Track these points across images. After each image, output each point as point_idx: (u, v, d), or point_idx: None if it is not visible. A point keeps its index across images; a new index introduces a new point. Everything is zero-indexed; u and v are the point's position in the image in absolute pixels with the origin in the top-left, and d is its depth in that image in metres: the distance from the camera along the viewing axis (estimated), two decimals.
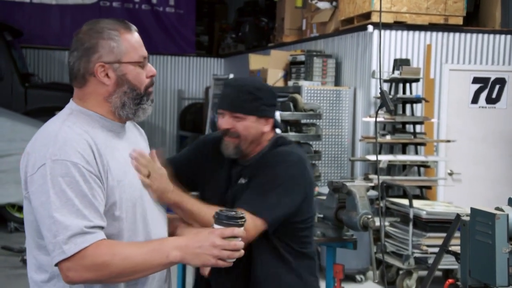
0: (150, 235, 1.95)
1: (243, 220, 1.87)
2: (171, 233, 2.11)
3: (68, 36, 11.64)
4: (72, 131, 1.84)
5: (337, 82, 7.54)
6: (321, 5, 7.81)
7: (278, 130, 2.71)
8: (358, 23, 7.00)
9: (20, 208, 7.42)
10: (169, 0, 11.70)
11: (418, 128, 6.84)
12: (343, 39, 7.53)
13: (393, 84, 6.75)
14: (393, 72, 6.65)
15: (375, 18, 6.65)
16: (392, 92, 6.69)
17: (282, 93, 6.75)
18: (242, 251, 1.85)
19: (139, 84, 1.95)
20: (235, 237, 1.83)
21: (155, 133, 11.72)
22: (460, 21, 7.01)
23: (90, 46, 1.89)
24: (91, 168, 1.81)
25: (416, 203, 5.77)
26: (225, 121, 2.49)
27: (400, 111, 6.76)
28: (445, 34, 7.05)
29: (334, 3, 7.70)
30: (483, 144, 7.16)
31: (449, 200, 6.74)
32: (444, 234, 3.26)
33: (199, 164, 2.62)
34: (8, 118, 7.81)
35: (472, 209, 2.76)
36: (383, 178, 6.29)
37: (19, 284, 5.67)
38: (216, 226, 1.86)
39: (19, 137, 7.25)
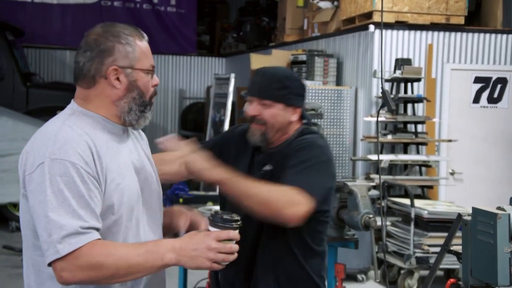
0: (144, 240, 1.94)
1: (238, 223, 1.87)
2: (167, 224, 2.10)
3: (70, 36, 11.65)
4: (72, 131, 1.84)
5: (339, 81, 7.54)
6: (323, 4, 7.81)
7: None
8: (359, 23, 7.00)
9: None
10: (171, 0, 11.70)
11: (420, 127, 6.83)
12: (344, 39, 7.53)
13: (395, 84, 6.75)
14: (394, 72, 6.65)
15: (376, 17, 6.65)
16: (394, 92, 6.68)
17: None
18: (236, 254, 1.84)
19: (146, 92, 1.96)
20: (230, 240, 1.83)
21: (157, 133, 11.72)
22: (461, 20, 7.01)
23: (106, 49, 1.90)
24: (90, 169, 1.81)
25: (418, 202, 5.77)
26: (252, 108, 2.49)
27: (401, 111, 6.76)
28: (447, 33, 7.05)
29: (335, 3, 7.69)
30: (485, 143, 7.16)
31: (450, 199, 6.73)
32: (445, 234, 3.26)
33: (224, 151, 2.64)
34: (10, 118, 7.82)
35: (473, 208, 2.76)
36: (385, 177, 6.29)
37: (20, 284, 5.65)
38: (211, 228, 1.86)
39: (21, 136, 7.26)
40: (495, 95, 7.14)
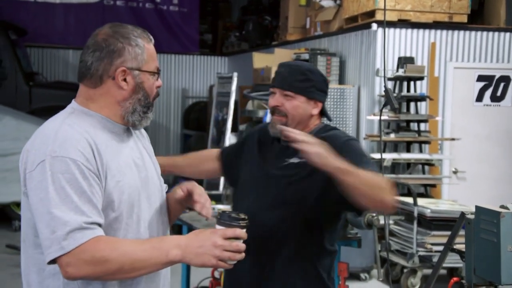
0: (145, 237, 1.94)
1: (245, 221, 1.86)
2: (173, 206, 2.11)
3: (72, 35, 11.66)
4: (72, 129, 1.85)
5: (341, 80, 7.53)
6: (325, 3, 7.80)
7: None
8: (362, 21, 6.99)
9: None
10: None
11: (423, 126, 6.82)
12: (347, 37, 7.52)
13: (398, 82, 6.74)
14: (397, 70, 6.64)
15: (379, 16, 6.64)
16: (397, 90, 6.68)
17: None
18: (243, 254, 1.83)
19: (151, 94, 1.98)
20: (237, 238, 1.81)
21: (159, 132, 11.73)
22: (464, 19, 6.99)
23: (116, 50, 1.91)
24: (90, 166, 1.81)
25: (421, 201, 5.76)
26: (274, 99, 2.52)
27: (404, 109, 6.75)
28: (450, 32, 7.03)
29: (338, 1, 7.69)
30: (488, 142, 7.15)
31: (453, 198, 6.72)
32: (448, 232, 3.26)
33: (242, 151, 2.70)
34: (13, 117, 7.84)
35: (476, 207, 2.75)
36: (388, 176, 6.29)
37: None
38: (218, 226, 1.85)
39: (24, 136, 7.27)
40: (498, 93, 7.13)
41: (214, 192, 5.73)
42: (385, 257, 5.60)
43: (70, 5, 11.15)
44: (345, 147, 2.42)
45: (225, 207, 4.68)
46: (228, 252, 1.79)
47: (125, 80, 1.92)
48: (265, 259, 2.46)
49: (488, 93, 7.11)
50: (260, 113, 7.14)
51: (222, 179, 7.39)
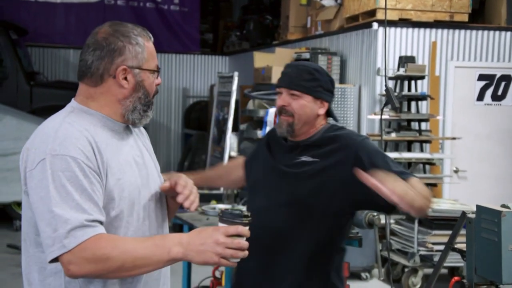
0: (146, 235, 1.94)
1: (248, 219, 1.84)
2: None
3: (73, 35, 11.65)
4: (72, 127, 1.85)
5: (342, 79, 7.53)
6: (326, 2, 7.80)
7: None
8: (363, 21, 6.99)
9: None
10: None
11: (424, 125, 6.82)
12: (348, 37, 7.52)
13: (398, 82, 6.73)
14: (398, 70, 6.64)
15: (380, 15, 6.63)
16: (397, 90, 6.67)
17: None
18: (247, 252, 1.81)
19: (151, 92, 1.99)
20: (240, 236, 1.80)
21: (160, 131, 11.73)
22: (465, 18, 6.99)
23: (117, 48, 1.91)
24: (91, 163, 1.82)
25: None
26: (281, 99, 2.54)
27: (405, 109, 6.75)
28: (451, 31, 7.03)
29: (339, 1, 7.68)
30: (489, 141, 7.14)
31: (454, 197, 6.72)
32: (449, 232, 3.26)
33: (255, 157, 2.75)
34: (14, 117, 7.84)
35: (477, 206, 2.75)
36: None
37: None
38: (220, 224, 1.83)
39: (25, 135, 7.21)
40: (499, 92, 7.12)
41: (214, 191, 5.72)
42: (386, 256, 5.60)
43: (71, 5, 11.15)
44: (362, 147, 2.46)
45: (226, 207, 4.67)
46: (230, 250, 1.77)
47: (125, 78, 1.93)
48: (277, 256, 2.47)
49: (489, 92, 7.11)
50: (261, 113, 7.14)
51: None
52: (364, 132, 7.00)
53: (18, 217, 7.62)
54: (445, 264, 4.53)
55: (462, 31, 7.05)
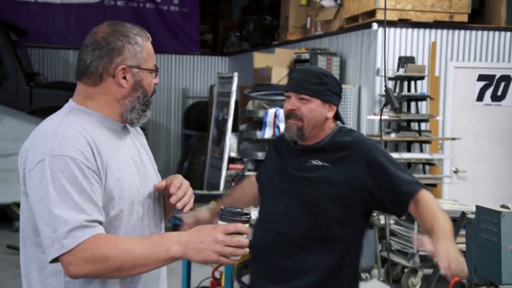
0: (145, 234, 1.95)
1: (247, 216, 1.83)
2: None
3: (73, 35, 11.65)
4: (71, 128, 1.86)
5: (342, 80, 7.53)
6: (326, 3, 7.80)
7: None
8: (362, 21, 6.99)
9: None
10: None
11: (423, 126, 6.82)
12: (347, 37, 7.52)
13: (398, 82, 6.73)
14: (397, 70, 6.64)
15: (379, 15, 6.64)
16: (397, 90, 6.67)
17: None
18: (247, 250, 1.80)
19: (149, 91, 1.99)
20: (239, 234, 1.79)
21: (160, 132, 11.73)
22: (465, 18, 6.99)
23: (116, 48, 1.92)
24: (90, 164, 1.82)
25: None
26: (290, 103, 2.56)
27: (405, 109, 6.75)
28: (450, 31, 7.03)
29: (338, 1, 7.68)
30: (489, 141, 7.14)
31: (454, 198, 6.72)
32: None
33: (267, 159, 2.79)
34: (14, 118, 7.83)
35: (477, 207, 2.75)
36: None
37: None
38: (220, 222, 1.83)
39: (25, 136, 7.12)
40: (499, 92, 7.12)
41: (214, 192, 5.72)
42: (385, 257, 5.60)
43: (70, 5, 11.15)
44: (373, 153, 2.49)
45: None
46: (229, 248, 1.77)
47: (125, 78, 1.93)
48: (291, 260, 2.48)
49: (488, 92, 7.11)
50: (261, 113, 7.14)
51: (222, 179, 7.39)
52: (364, 132, 7.00)
53: (18, 218, 7.50)
54: None
55: (462, 32, 7.05)
